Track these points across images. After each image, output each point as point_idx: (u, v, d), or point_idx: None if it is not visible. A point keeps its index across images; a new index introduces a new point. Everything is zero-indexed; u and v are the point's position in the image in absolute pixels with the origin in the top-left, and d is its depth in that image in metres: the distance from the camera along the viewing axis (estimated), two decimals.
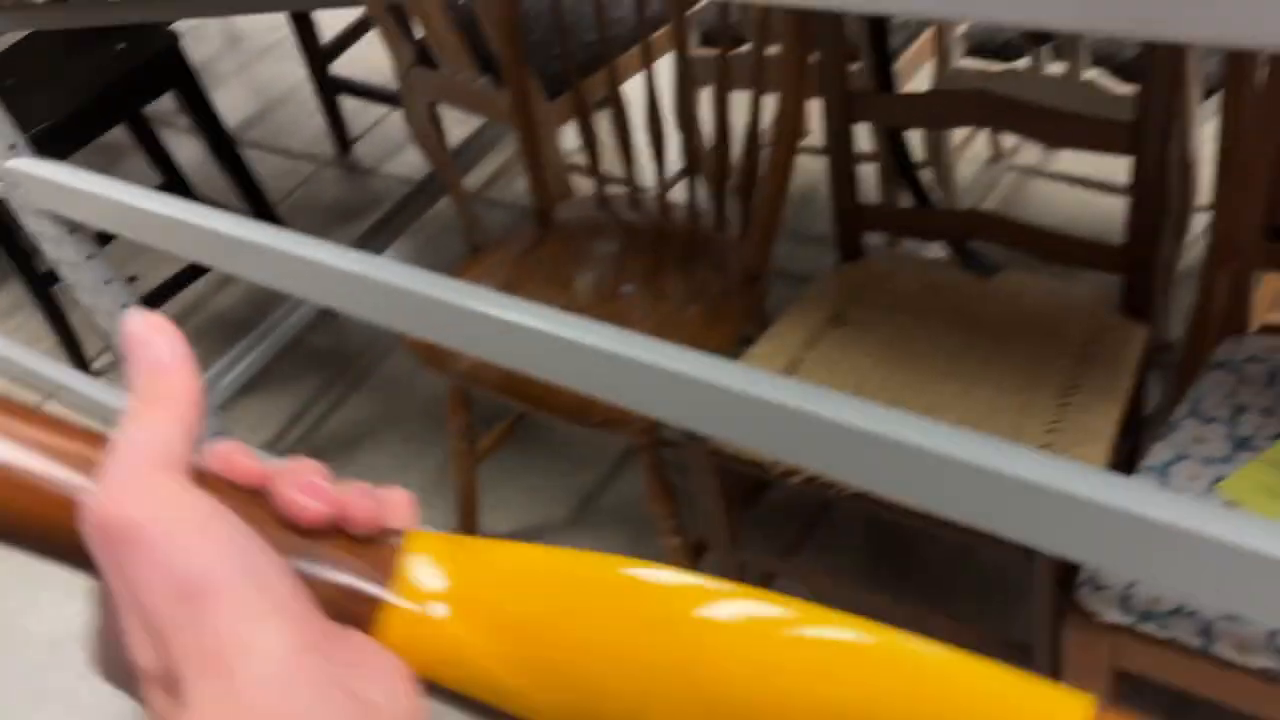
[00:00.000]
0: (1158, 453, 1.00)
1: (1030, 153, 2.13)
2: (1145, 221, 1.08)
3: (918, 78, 1.87)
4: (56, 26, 1.96)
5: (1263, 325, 1.47)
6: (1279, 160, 1.03)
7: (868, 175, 1.97)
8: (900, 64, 1.59)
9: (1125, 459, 1.14)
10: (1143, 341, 1.14)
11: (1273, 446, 0.97)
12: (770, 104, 1.26)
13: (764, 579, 1.39)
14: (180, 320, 2.22)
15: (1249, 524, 0.75)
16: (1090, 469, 0.82)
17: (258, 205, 2.13)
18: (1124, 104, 1.14)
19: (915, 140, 1.84)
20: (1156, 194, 1.06)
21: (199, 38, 3.23)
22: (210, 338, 2.17)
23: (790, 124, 1.23)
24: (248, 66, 3.17)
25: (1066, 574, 0.97)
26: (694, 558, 1.37)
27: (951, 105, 1.15)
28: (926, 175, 1.88)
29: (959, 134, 1.98)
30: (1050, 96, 1.47)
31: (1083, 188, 2.05)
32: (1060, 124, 1.10)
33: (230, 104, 2.92)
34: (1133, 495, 0.79)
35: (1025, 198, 2.09)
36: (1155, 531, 0.78)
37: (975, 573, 1.47)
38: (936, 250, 1.72)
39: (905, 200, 1.71)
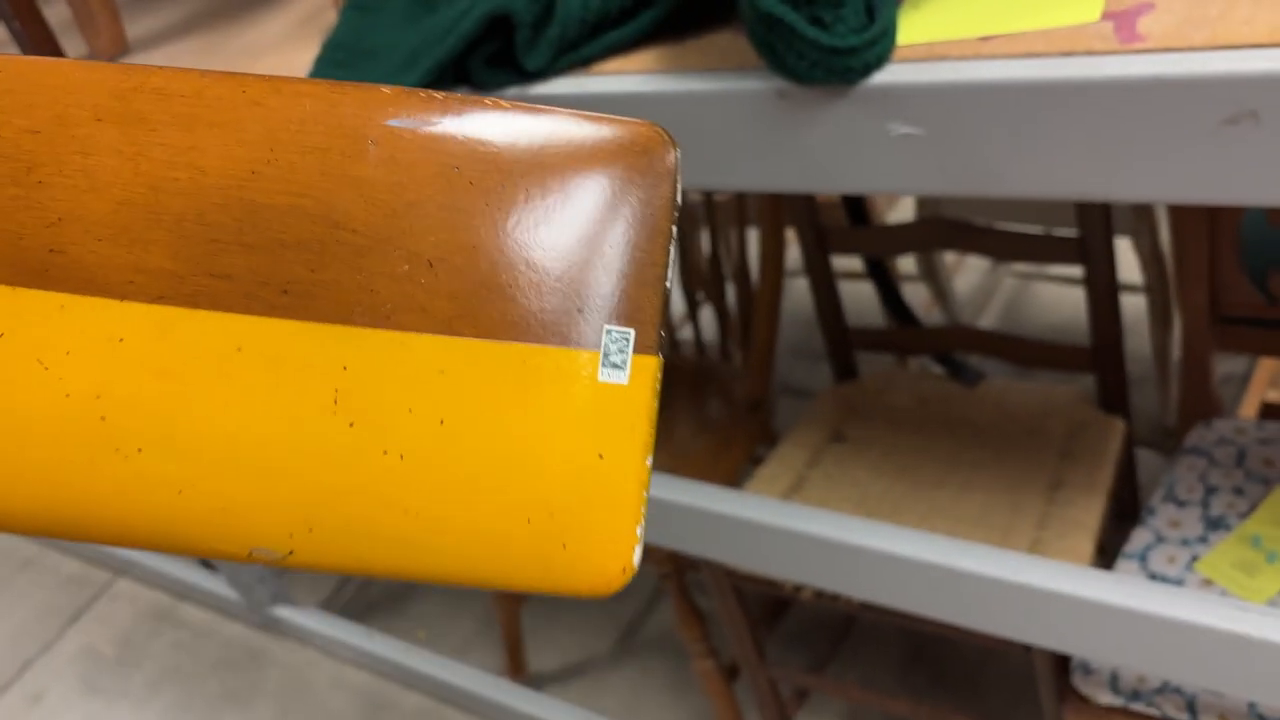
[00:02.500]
0: (1137, 538, 1.06)
1: None
2: (1103, 324, 1.16)
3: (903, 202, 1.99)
4: None
5: (1264, 404, 1.53)
6: (1218, 249, 1.11)
7: (866, 293, 2.07)
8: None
9: (1121, 543, 1.19)
10: (1121, 434, 1.20)
11: (1242, 524, 1.03)
12: (755, 238, 1.37)
13: (797, 695, 1.44)
14: None
15: (1209, 606, 0.81)
16: (1064, 566, 0.88)
17: None
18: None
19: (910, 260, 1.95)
20: (1108, 299, 1.14)
21: None
22: None
23: (772, 261, 1.33)
24: None
25: (1063, 663, 1.03)
26: (728, 679, 1.43)
27: (913, 234, 1.25)
28: (922, 291, 1.97)
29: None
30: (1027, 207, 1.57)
31: (1080, 285, 2.13)
32: (1014, 243, 1.19)
33: None
34: (1100, 586, 0.85)
35: (1028, 300, 2.17)
36: (1120, 617, 0.84)
37: (1004, 672, 1.51)
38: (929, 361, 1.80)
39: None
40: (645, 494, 0.33)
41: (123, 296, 0.33)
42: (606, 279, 0.33)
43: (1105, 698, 0.97)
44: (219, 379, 0.33)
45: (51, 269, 0.33)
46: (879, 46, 0.59)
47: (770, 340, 1.39)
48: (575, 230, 0.34)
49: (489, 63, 0.77)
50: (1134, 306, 1.79)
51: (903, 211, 2.09)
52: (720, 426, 1.45)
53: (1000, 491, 1.19)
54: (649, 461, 0.33)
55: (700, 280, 1.56)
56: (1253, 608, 0.80)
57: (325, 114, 0.34)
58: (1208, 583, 0.99)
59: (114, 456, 0.32)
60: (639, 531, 0.33)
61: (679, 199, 0.34)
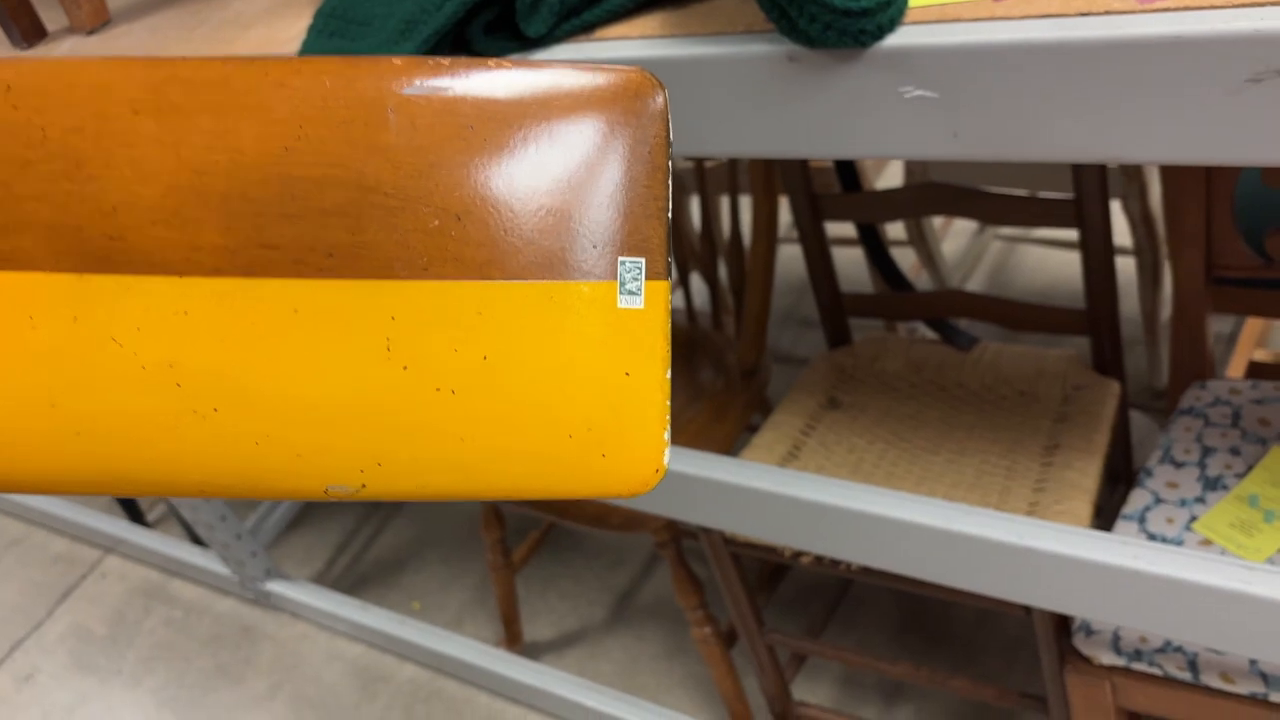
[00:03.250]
0: (1136, 499, 1.06)
1: None
2: (1099, 287, 1.16)
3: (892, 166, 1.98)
4: None
5: (1251, 363, 1.54)
6: (1213, 210, 1.11)
7: (853, 258, 2.07)
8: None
9: (1118, 505, 1.20)
10: (1116, 396, 1.21)
11: (1239, 484, 1.03)
12: (747, 204, 1.36)
13: (795, 660, 1.45)
14: None
15: (1211, 565, 0.82)
16: (1064, 529, 0.89)
17: None
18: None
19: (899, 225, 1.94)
20: (1104, 262, 1.14)
21: None
22: None
23: (765, 227, 1.32)
24: None
25: (1063, 624, 1.04)
26: (725, 645, 1.44)
27: (907, 199, 1.25)
28: (908, 256, 1.97)
29: None
30: (1014, 172, 1.57)
31: (1066, 249, 2.13)
32: (1008, 205, 1.18)
33: None
34: (1103, 548, 0.85)
35: (1015, 263, 2.18)
36: (1123, 577, 0.85)
37: (1000, 633, 1.52)
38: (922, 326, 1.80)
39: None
40: (668, 403, 0.38)
41: (182, 273, 0.36)
42: (615, 215, 0.37)
43: (1107, 658, 0.98)
44: (280, 339, 0.36)
45: (113, 254, 0.36)
46: (892, 8, 0.58)
47: (764, 307, 1.38)
48: (583, 173, 0.37)
49: (488, 31, 0.76)
50: (1122, 269, 1.80)
51: (890, 177, 2.09)
52: (714, 395, 1.45)
53: (996, 455, 1.20)
54: (668, 375, 0.38)
55: (691, 248, 1.55)
56: (1254, 566, 0.80)
57: (345, 89, 0.37)
58: (1206, 543, 1.00)
59: (193, 418, 0.36)
60: (666, 436, 0.38)
61: (671, 136, 0.38)
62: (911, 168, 1.70)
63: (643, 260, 0.37)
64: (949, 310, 1.33)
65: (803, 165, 1.28)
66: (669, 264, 0.38)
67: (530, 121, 0.37)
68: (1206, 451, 1.08)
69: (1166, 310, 1.73)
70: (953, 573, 0.94)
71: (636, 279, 0.37)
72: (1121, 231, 1.71)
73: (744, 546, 1.23)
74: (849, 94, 0.61)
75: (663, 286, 0.37)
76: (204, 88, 0.36)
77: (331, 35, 0.83)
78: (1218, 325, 1.81)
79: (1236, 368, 1.53)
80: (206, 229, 0.36)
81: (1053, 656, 1.06)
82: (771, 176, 1.31)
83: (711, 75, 0.67)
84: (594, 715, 1.53)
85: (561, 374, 0.37)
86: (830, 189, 1.42)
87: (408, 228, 0.36)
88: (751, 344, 1.42)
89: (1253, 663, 0.91)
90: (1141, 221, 1.56)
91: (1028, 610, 1.05)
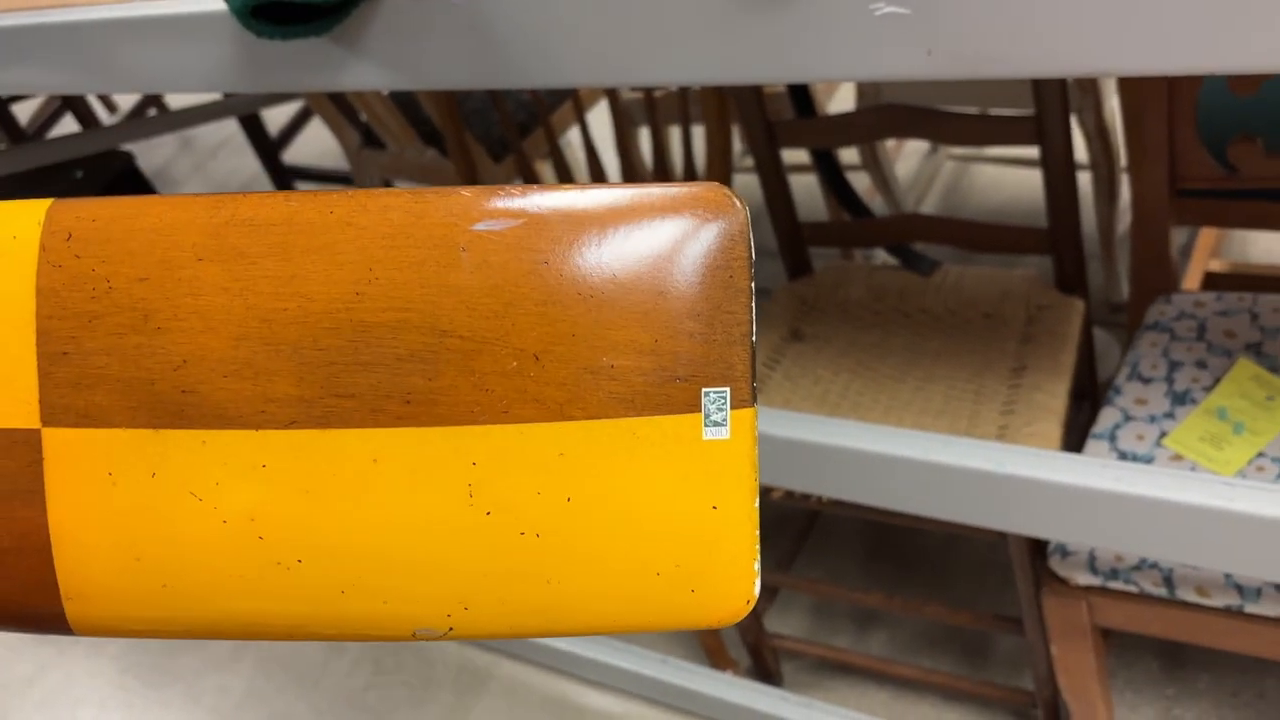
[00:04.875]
0: (1105, 418, 1.06)
1: None
2: (1061, 204, 1.14)
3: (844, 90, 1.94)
4: (14, 169, 2.02)
5: (1207, 274, 1.53)
6: (1175, 121, 1.09)
7: (813, 187, 2.04)
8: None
9: (1087, 424, 1.19)
10: (1080, 315, 1.20)
11: (1207, 397, 1.03)
12: (700, 134, 1.32)
13: (766, 592, 1.44)
14: None
15: (1185, 482, 0.81)
16: (1034, 452, 0.87)
17: None
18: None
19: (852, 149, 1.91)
20: (1066, 179, 1.12)
21: (150, 146, 3.29)
22: None
23: (719, 156, 1.29)
24: (202, 167, 3.24)
25: (1038, 547, 1.03)
26: None
27: (866, 122, 1.21)
28: (863, 180, 1.94)
29: None
30: (967, 90, 1.54)
31: (1019, 166, 2.12)
32: (968, 125, 1.16)
33: None
34: (1083, 471, 0.84)
35: (968, 183, 2.16)
36: (1101, 500, 0.84)
37: (969, 557, 1.52)
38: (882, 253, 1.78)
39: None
40: (757, 532, 0.37)
41: (257, 426, 0.36)
42: (697, 344, 0.36)
43: (1083, 578, 0.97)
44: (361, 489, 0.36)
45: (186, 409, 0.36)
46: None
47: None
48: (662, 302, 0.36)
49: None
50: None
51: (841, 100, 2.06)
52: None
53: (963, 380, 1.18)
54: (756, 504, 0.37)
55: (644, 181, 1.51)
56: (1227, 480, 0.80)
57: (413, 226, 0.36)
58: (1177, 458, 0.99)
59: (276, 569, 0.36)
60: (755, 566, 0.37)
61: (752, 255, 0.36)
62: (864, 89, 1.67)
63: (727, 390, 0.36)
64: (909, 235, 1.31)
65: (757, 91, 1.24)
66: (754, 389, 0.37)
67: (605, 252, 0.36)
68: (1173, 366, 1.08)
69: (1122, 224, 1.72)
70: (932, 504, 0.92)
71: (721, 409, 0.36)
72: (1076, 146, 1.70)
73: None
74: (814, 13, 0.58)
75: (749, 414, 0.36)
76: (266, 229, 0.36)
77: None
78: (1175, 237, 1.81)
79: (1193, 279, 1.53)
80: (279, 380, 0.36)
81: (1028, 580, 1.06)
82: (724, 105, 1.28)
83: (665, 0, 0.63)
84: (566, 657, 1.52)
85: (647, 512, 0.36)
86: (783, 115, 1.39)
87: (485, 370, 0.36)
88: None
89: (1228, 576, 0.91)
90: (1097, 135, 1.55)
91: (1002, 534, 1.04)
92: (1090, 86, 1.51)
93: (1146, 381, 1.07)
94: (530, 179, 1.57)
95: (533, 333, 0.36)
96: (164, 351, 0.36)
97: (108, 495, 0.36)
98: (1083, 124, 1.56)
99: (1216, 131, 1.09)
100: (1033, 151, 1.15)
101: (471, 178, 1.57)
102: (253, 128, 2.50)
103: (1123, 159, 1.60)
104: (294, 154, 2.62)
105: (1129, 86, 1.18)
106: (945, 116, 1.16)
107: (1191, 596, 0.93)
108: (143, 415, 0.36)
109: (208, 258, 0.36)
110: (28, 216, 0.37)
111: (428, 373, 0.36)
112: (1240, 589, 0.91)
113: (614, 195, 0.36)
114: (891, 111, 1.19)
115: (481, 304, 0.36)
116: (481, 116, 1.83)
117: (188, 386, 0.36)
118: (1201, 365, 1.07)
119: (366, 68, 0.79)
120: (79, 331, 0.36)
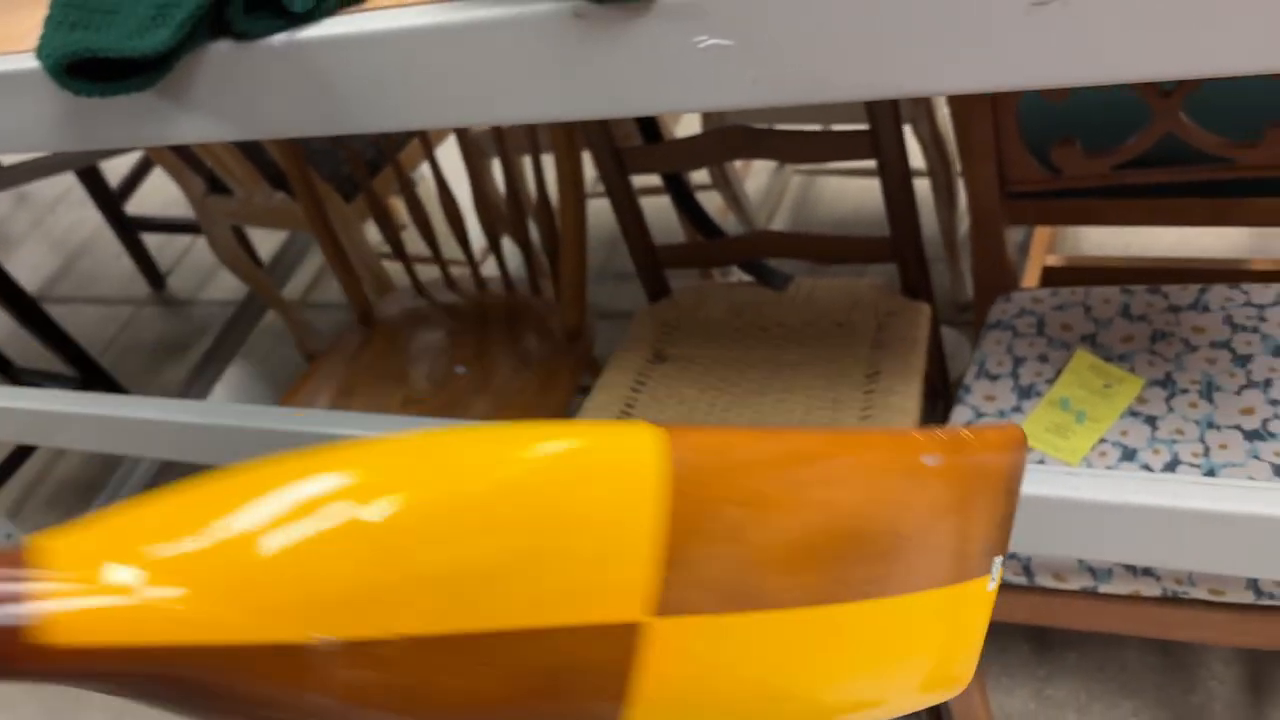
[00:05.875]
0: (957, 415, 1.10)
1: None
2: (900, 213, 1.18)
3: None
4: None
5: (1045, 269, 1.60)
6: (1000, 127, 1.14)
7: (666, 206, 2.07)
8: None
9: (941, 422, 1.24)
10: (927, 318, 1.24)
11: (1050, 389, 1.08)
12: (551, 163, 1.33)
13: None
14: (27, 494, 2.17)
15: (1037, 475, 0.85)
16: None
17: (79, 361, 2.11)
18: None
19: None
20: (903, 189, 1.16)
21: None
22: (63, 503, 2.12)
23: (572, 186, 1.30)
24: (40, 222, 3.11)
25: None
26: None
27: (710, 145, 1.24)
28: (714, 200, 1.98)
29: None
30: (808, 110, 1.58)
31: (862, 177, 2.19)
32: (808, 143, 1.19)
33: (31, 263, 2.87)
34: None
35: (816, 195, 2.22)
36: None
37: None
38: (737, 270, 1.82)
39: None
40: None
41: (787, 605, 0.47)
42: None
43: None
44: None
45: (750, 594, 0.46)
46: None
47: (580, 267, 1.36)
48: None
49: (249, 10, 0.70)
50: (917, 190, 1.85)
51: (689, 123, 2.09)
52: (541, 361, 1.42)
53: (820, 389, 1.21)
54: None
55: (498, 213, 1.51)
56: (1075, 471, 0.84)
57: (886, 461, 0.50)
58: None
59: None
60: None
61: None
62: (709, 112, 1.70)
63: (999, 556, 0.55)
64: (762, 251, 1.33)
65: (603, 120, 1.26)
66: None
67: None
68: (1018, 361, 1.12)
69: (963, 227, 1.79)
70: None
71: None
72: (913, 154, 1.76)
73: None
74: (641, 49, 0.59)
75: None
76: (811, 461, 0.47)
77: (73, 27, 0.75)
78: (1012, 236, 1.89)
79: (1031, 275, 1.60)
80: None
81: None
82: (572, 133, 1.29)
83: (495, 39, 0.64)
84: None
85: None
86: (631, 140, 1.41)
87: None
88: (572, 306, 1.39)
89: (1081, 561, 0.96)
90: (932, 143, 1.61)
91: None
92: (922, 98, 1.57)
93: (994, 378, 1.12)
94: (382, 217, 1.56)
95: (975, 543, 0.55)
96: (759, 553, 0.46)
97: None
98: (918, 133, 1.62)
99: (1039, 136, 1.15)
100: (874, 163, 1.19)
101: (322, 218, 1.54)
102: (92, 180, 2.41)
103: (958, 165, 1.66)
104: (138, 204, 2.54)
105: (956, 97, 1.23)
106: (785, 136, 1.20)
107: (1050, 582, 0.97)
108: (712, 600, 0.44)
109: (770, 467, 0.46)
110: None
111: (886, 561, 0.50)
112: (1093, 571, 0.96)
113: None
114: (734, 133, 1.22)
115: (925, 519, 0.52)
116: (329, 156, 1.81)
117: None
118: (1043, 359, 1.12)
119: (198, 119, 0.77)
120: (684, 541, 0.43)
